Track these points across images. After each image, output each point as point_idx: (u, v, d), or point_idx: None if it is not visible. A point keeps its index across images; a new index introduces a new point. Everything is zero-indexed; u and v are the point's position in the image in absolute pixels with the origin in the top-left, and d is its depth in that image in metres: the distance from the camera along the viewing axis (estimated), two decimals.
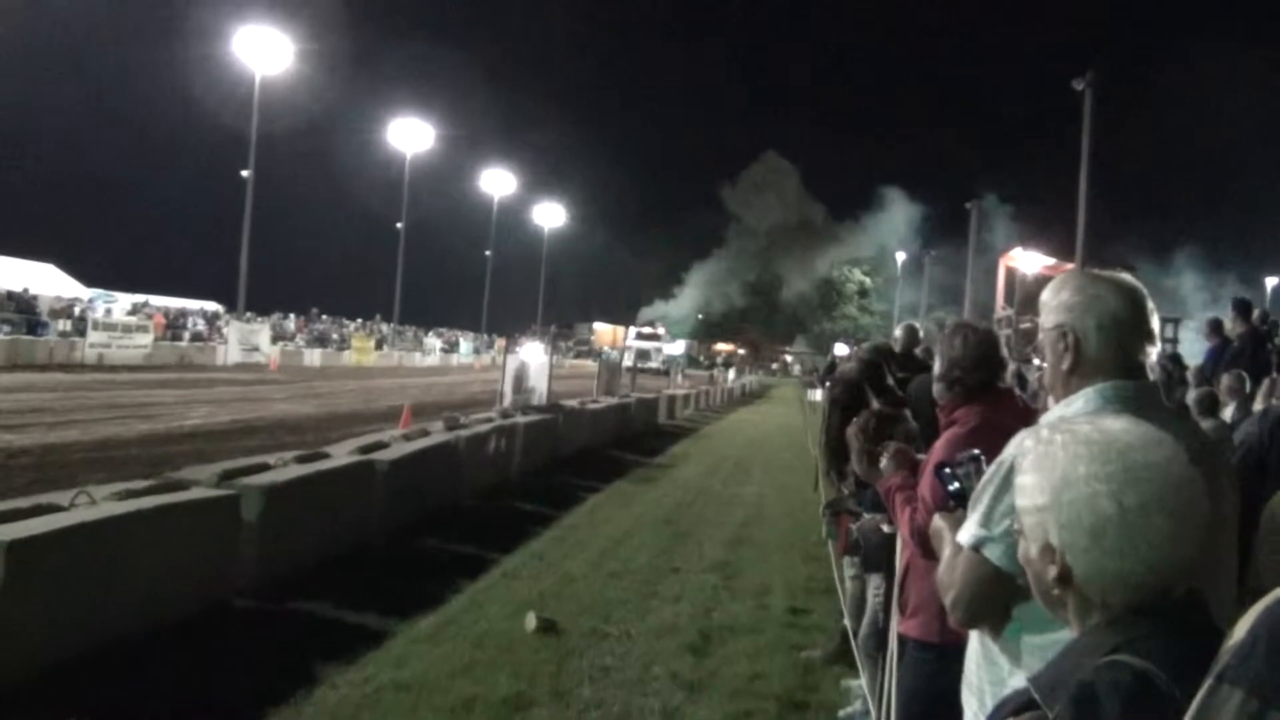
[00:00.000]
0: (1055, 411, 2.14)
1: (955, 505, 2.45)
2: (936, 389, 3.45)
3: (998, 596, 2.09)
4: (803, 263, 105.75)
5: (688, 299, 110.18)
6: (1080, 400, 2.09)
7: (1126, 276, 2.18)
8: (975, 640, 2.23)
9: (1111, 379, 2.09)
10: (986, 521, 2.10)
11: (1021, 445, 1.86)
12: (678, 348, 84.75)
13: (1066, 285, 2.17)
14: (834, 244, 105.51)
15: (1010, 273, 52.21)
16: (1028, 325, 28.30)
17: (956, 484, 2.35)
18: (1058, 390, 2.20)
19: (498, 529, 9.86)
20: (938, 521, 2.50)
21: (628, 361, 59.71)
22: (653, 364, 67.65)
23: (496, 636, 6.49)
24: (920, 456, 3.59)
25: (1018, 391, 4.20)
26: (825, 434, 6.75)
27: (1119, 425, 1.41)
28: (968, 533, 2.14)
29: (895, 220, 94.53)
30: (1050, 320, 2.17)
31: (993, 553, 2.07)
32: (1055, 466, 1.39)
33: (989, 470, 2.17)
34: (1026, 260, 50.53)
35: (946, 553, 2.35)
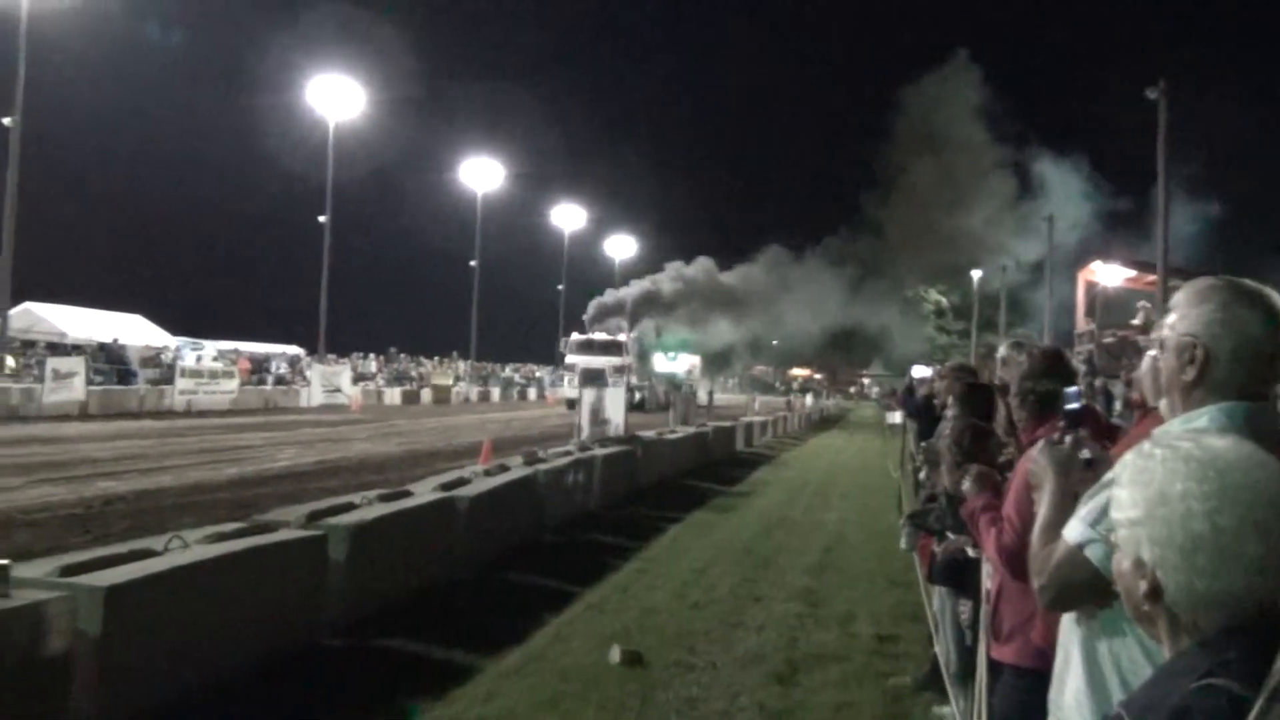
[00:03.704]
0: (1175, 424, 2.10)
1: (1066, 430, 2.41)
2: (1014, 411, 3.43)
3: (1088, 595, 2.07)
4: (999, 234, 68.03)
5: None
6: (1204, 418, 2.04)
7: (1273, 294, 2.08)
8: (1079, 663, 2.18)
9: (1234, 399, 2.05)
10: (1096, 523, 2.07)
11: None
12: (679, 365, 59.92)
13: (1210, 298, 2.09)
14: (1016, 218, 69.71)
15: (1090, 286, 51.05)
16: (1111, 340, 27.61)
17: (1077, 404, 2.30)
18: (1174, 397, 2.15)
19: (579, 562, 9.88)
20: (1042, 459, 2.42)
21: (567, 391, 44.95)
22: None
23: (581, 670, 6.49)
24: (1004, 477, 3.55)
25: (1098, 408, 4.15)
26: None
27: (1222, 444, 1.38)
28: (1074, 530, 2.11)
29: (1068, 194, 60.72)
30: (1182, 326, 2.11)
31: (1094, 553, 2.04)
32: (1152, 481, 1.37)
33: (1108, 474, 2.14)
34: (1107, 273, 49.36)
35: (1043, 510, 2.30)
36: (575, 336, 53.35)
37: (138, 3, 51.52)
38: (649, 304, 59.33)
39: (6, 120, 31.50)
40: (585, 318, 57.83)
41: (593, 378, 42.29)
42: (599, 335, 53.11)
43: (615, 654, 6.64)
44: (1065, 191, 61.56)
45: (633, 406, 36.55)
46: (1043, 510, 2.32)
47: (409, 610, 7.50)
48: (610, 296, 59.88)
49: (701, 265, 63.16)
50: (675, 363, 58.51)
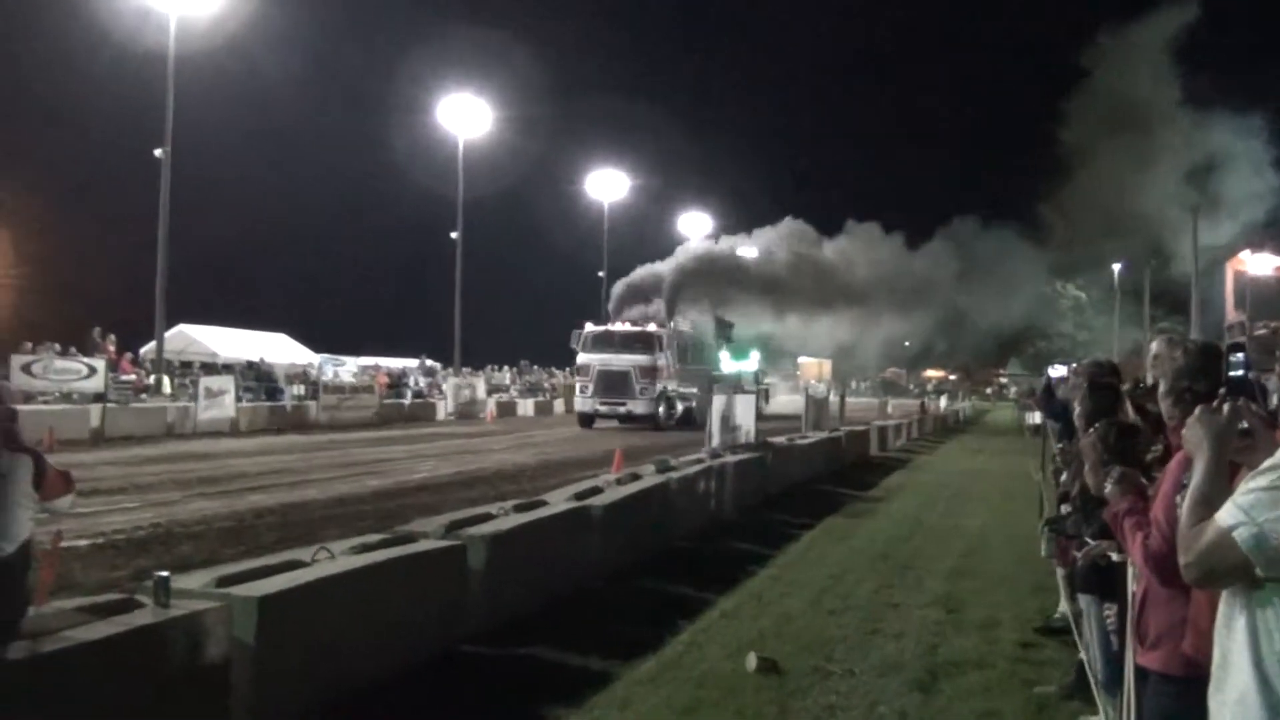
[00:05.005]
0: None
1: (1227, 394, 2.32)
2: (1164, 408, 3.31)
3: (1234, 578, 2.04)
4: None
5: None
6: None
7: None
8: (1246, 664, 2.10)
9: None
10: (1252, 508, 2.01)
11: None
12: (749, 364, 40.79)
13: None
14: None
15: (1239, 276, 48.65)
16: (1264, 332, 26.25)
17: (1242, 371, 2.22)
18: None
19: (713, 569, 9.88)
20: (1198, 428, 2.33)
21: (579, 403, 36.56)
22: (638, 405, 35.20)
23: (718, 677, 6.49)
24: (1151, 478, 3.43)
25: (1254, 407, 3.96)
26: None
27: None
28: (1227, 512, 2.05)
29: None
30: None
31: (1243, 537, 1.98)
32: None
33: (1268, 462, 2.07)
34: (1257, 263, 47.02)
35: (1195, 482, 2.22)
36: (590, 328, 38.32)
37: (274, 31, 53.59)
38: (721, 281, 44.98)
39: (157, 152, 33.10)
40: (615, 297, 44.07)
41: (614, 384, 34.90)
42: (620, 326, 38.48)
43: (752, 661, 6.62)
44: (1250, 161, 48.63)
45: (669, 422, 29.41)
46: (1195, 482, 2.24)
47: (545, 618, 7.62)
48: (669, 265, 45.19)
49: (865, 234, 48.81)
50: (746, 360, 42.00)
